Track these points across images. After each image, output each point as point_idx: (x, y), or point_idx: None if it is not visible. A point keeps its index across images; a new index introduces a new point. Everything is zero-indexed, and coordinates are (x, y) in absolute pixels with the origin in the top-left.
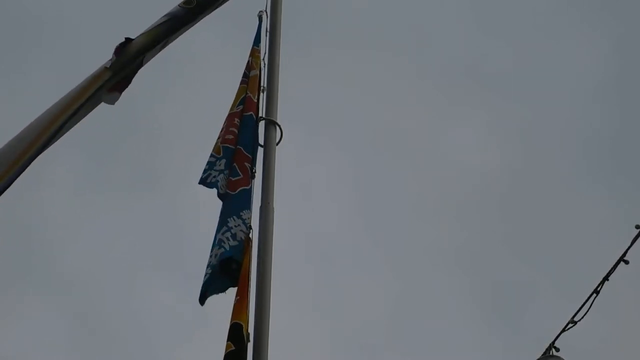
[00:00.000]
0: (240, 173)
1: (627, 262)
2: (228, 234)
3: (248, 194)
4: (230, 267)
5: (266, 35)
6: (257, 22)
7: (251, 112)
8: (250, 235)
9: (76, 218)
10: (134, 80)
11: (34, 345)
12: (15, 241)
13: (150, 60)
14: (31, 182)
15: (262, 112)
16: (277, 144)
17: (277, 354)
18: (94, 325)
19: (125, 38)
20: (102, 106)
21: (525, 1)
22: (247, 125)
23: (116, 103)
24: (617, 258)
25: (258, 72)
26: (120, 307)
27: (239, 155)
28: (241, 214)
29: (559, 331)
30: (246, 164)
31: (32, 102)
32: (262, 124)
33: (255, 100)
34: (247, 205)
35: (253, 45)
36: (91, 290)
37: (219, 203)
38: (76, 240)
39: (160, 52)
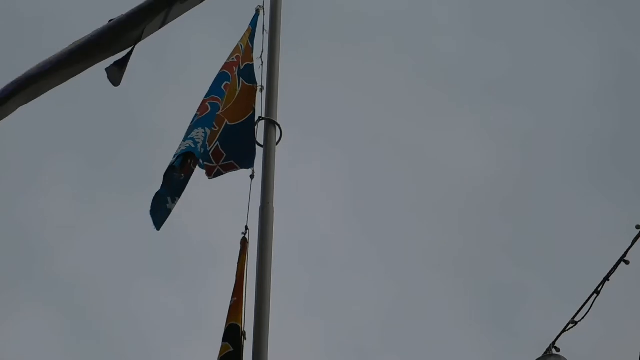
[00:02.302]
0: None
1: (627, 263)
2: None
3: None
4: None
5: (263, 34)
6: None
7: (224, 70)
8: (247, 236)
9: (74, 220)
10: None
11: (32, 347)
12: (14, 243)
13: (146, 57)
14: (30, 183)
15: (262, 112)
16: (276, 144)
17: (275, 355)
18: (91, 327)
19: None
20: (100, 107)
21: (525, 3)
22: (217, 80)
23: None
24: (618, 258)
25: (244, 44)
26: (117, 309)
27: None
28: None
29: (560, 331)
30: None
31: (32, 103)
32: (261, 124)
33: (235, 60)
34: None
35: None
36: (89, 292)
37: (215, 205)
38: (74, 242)
39: (157, 40)
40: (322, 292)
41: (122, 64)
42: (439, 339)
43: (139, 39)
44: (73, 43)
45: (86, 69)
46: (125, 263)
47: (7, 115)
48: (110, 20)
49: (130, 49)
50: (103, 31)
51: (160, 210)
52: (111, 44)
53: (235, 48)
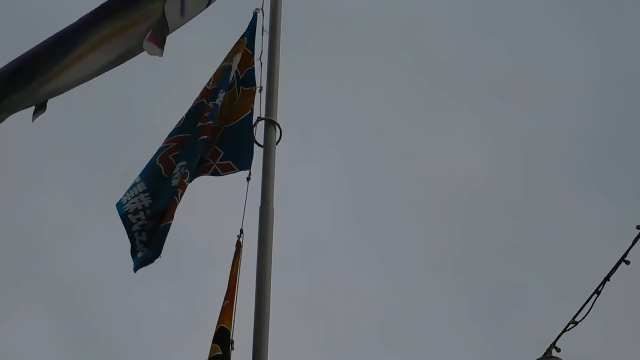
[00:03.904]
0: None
1: (628, 263)
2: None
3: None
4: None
5: (262, 35)
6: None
7: (202, 99)
8: (241, 239)
9: (74, 221)
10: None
11: (31, 347)
12: (13, 244)
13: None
14: (29, 184)
15: (261, 112)
16: (276, 144)
17: (275, 356)
18: (91, 328)
19: None
20: (100, 109)
21: (526, 3)
22: (191, 112)
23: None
24: (618, 258)
25: (226, 64)
26: (117, 310)
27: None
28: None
29: (560, 332)
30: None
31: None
32: (261, 124)
33: (210, 88)
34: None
35: (240, 38)
36: (89, 293)
37: (215, 207)
38: (74, 243)
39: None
40: (322, 292)
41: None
42: (439, 339)
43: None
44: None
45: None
46: (125, 264)
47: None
48: None
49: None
50: None
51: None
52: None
53: (218, 69)
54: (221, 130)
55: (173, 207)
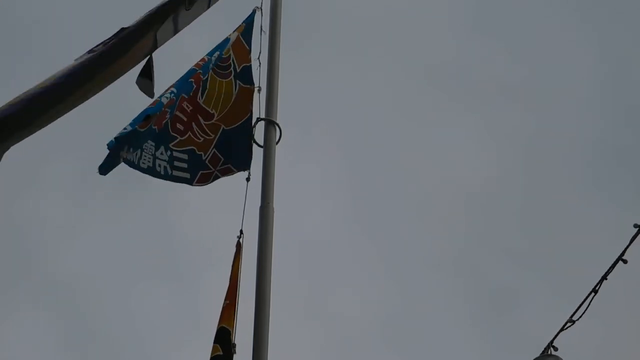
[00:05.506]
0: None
1: (625, 262)
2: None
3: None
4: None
5: (261, 35)
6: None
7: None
8: (241, 240)
9: (73, 222)
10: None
11: (31, 348)
12: (13, 245)
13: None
14: (29, 185)
15: (261, 112)
16: (276, 144)
17: (275, 357)
18: (91, 328)
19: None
20: (97, 108)
21: (527, 3)
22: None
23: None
24: (616, 257)
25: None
26: (116, 310)
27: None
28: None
29: (558, 330)
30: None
31: None
32: (261, 124)
33: (206, 59)
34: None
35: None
36: (88, 294)
37: (215, 207)
38: (73, 243)
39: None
40: (322, 292)
41: (147, 74)
42: (438, 339)
43: (154, 47)
44: (77, 59)
45: (98, 90)
46: (124, 265)
47: None
48: (111, 37)
49: (147, 58)
50: (109, 48)
51: (112, 157)
52: (121, 59)
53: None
54: (220, 130)
55: (158, 118)
